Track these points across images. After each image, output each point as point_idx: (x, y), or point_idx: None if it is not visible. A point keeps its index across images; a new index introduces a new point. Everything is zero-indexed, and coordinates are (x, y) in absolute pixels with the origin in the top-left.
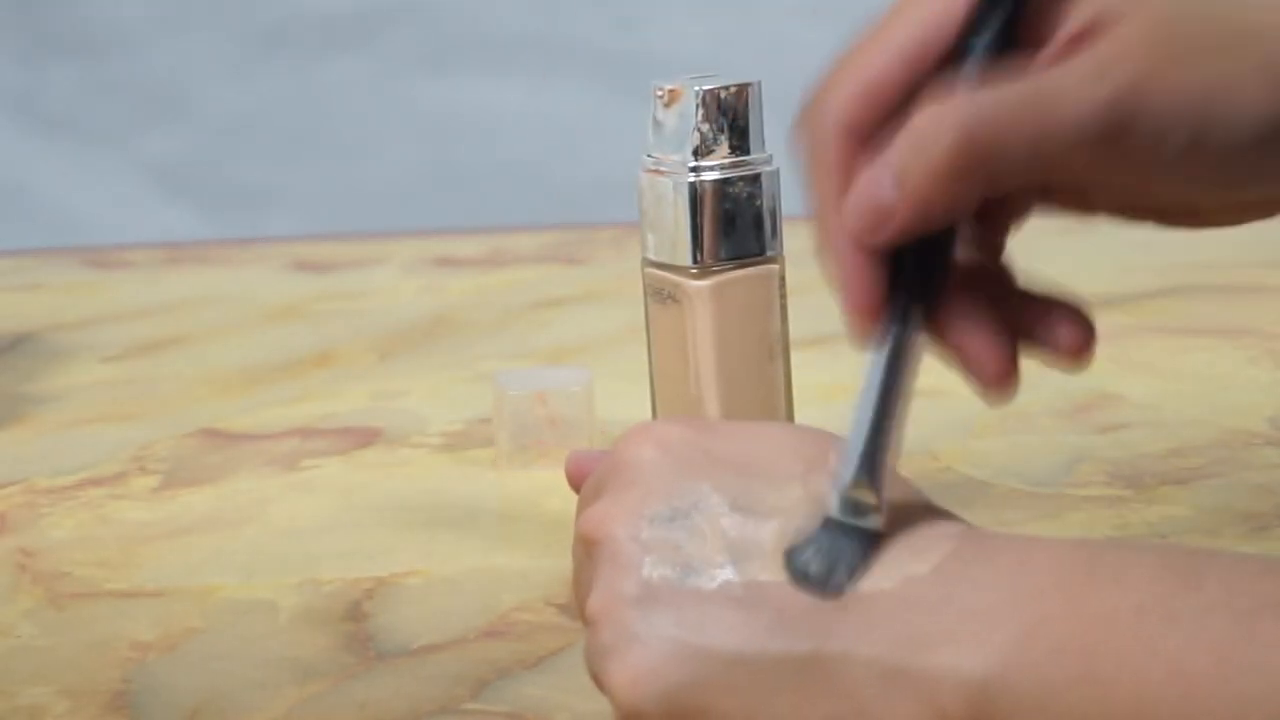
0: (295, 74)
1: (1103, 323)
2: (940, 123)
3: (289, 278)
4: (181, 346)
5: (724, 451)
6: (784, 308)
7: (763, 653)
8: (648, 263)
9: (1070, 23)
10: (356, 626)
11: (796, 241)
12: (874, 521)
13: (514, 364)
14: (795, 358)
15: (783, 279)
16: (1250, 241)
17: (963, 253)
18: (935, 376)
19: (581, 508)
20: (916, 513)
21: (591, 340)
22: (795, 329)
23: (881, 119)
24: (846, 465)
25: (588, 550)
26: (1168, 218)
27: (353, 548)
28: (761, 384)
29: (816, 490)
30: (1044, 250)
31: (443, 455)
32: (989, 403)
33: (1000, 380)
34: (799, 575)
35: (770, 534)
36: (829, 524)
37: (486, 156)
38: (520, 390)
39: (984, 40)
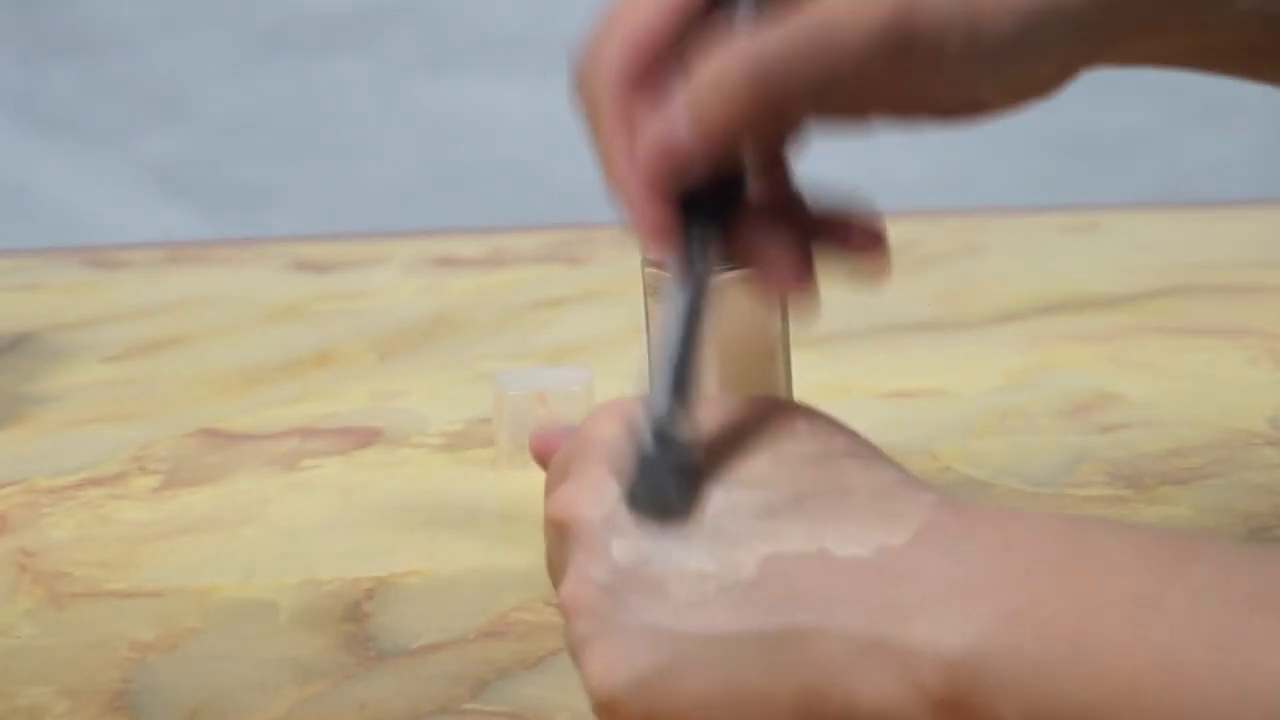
0: (295, 74)
1: (1103, 323)
2: (732, 63)
3: (289, 278)
4: (181, 346)
5: None
6: (784, 308)
7: (735, 630)
8: (648, 263)
9: None
10: (356, 626)
11: None
12: (688, 453)
13: (514, 364)
14: (795, 358)
15: None
16: (1250, 241)
17: (753, 184)
18: (935, 377)
19: (549, 488)
20: (888, 481)
21: (591, 340)
22: (795, 329)
23: (657, 66)
24: (657, 400)
25: (558, 533)
26: (947, 114)
27: (353, 548)
28: (761, 384)
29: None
30: (1046, 250)
31: (443, 455)
32: (795, 316)
33: (795, 282)
34: (638, 509)
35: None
36: (647, 463)
37: (486, 156)
38: (520, 390)
39: None
